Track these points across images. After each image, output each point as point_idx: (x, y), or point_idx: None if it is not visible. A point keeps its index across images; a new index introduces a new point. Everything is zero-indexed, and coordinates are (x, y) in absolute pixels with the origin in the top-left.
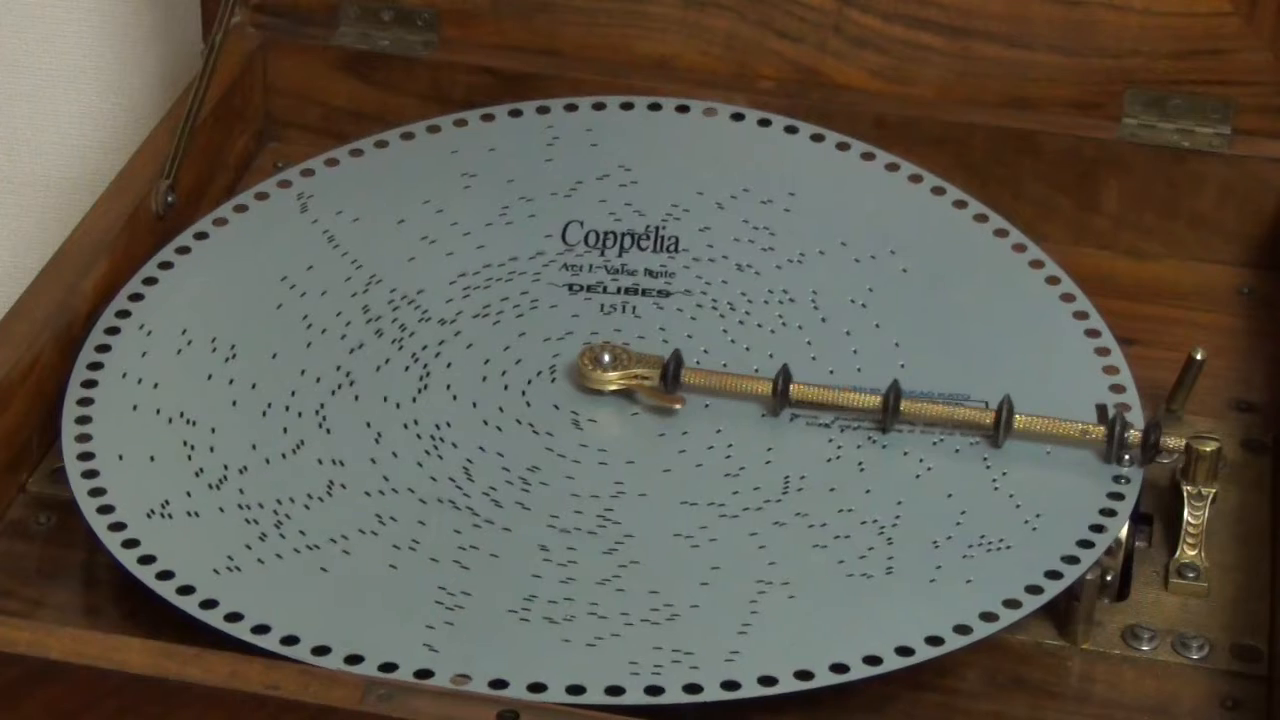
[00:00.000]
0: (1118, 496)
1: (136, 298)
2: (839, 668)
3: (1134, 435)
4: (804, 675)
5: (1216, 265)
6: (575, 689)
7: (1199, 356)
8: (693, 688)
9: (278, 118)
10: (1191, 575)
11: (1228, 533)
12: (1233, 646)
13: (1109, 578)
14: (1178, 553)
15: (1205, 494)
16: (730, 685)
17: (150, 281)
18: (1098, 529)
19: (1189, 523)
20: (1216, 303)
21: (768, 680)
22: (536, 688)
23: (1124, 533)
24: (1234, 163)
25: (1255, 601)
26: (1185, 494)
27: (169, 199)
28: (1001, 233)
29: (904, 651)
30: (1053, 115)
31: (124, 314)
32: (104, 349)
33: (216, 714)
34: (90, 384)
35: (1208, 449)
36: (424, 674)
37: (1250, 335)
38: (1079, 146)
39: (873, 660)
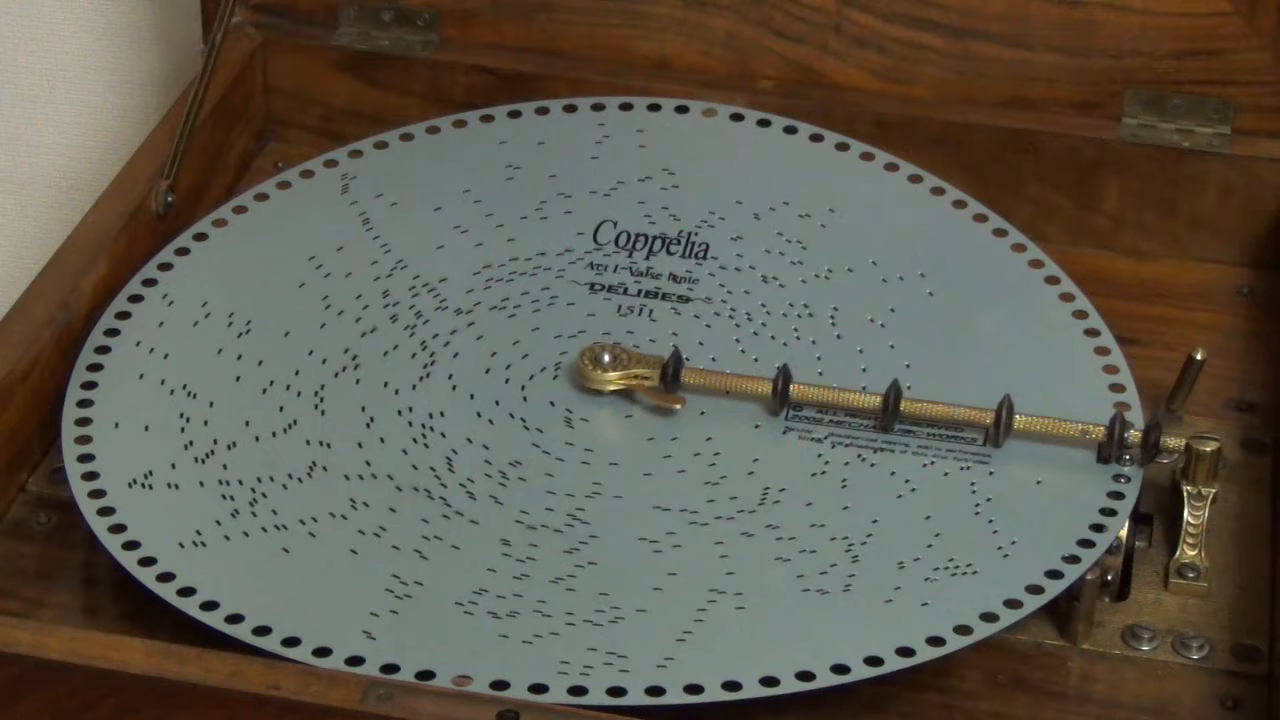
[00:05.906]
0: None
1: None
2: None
3: (1134, 435)
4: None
5: (1216, 265)
6: (499, 684)
7: (1199, 356)
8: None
9: (278, 118)
10: (1191, 575)
11: (1228, 533)
12: (1233, 646)
13: (1109, 578)
14: (1178, 553)
15: (1205, 494)
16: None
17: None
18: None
19: (1189, 523)
20: (1216, 303)
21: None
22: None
23: (1124, 533)
24: (1234, 163)
25: (1255, 601)
26: (1185, 494)
27: (169, 199)
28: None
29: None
30: (1053, 115)
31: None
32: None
33: (216, 714)
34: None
35: (1208, 449)
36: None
37: (1250, 335)
38: (1079, 146)
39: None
